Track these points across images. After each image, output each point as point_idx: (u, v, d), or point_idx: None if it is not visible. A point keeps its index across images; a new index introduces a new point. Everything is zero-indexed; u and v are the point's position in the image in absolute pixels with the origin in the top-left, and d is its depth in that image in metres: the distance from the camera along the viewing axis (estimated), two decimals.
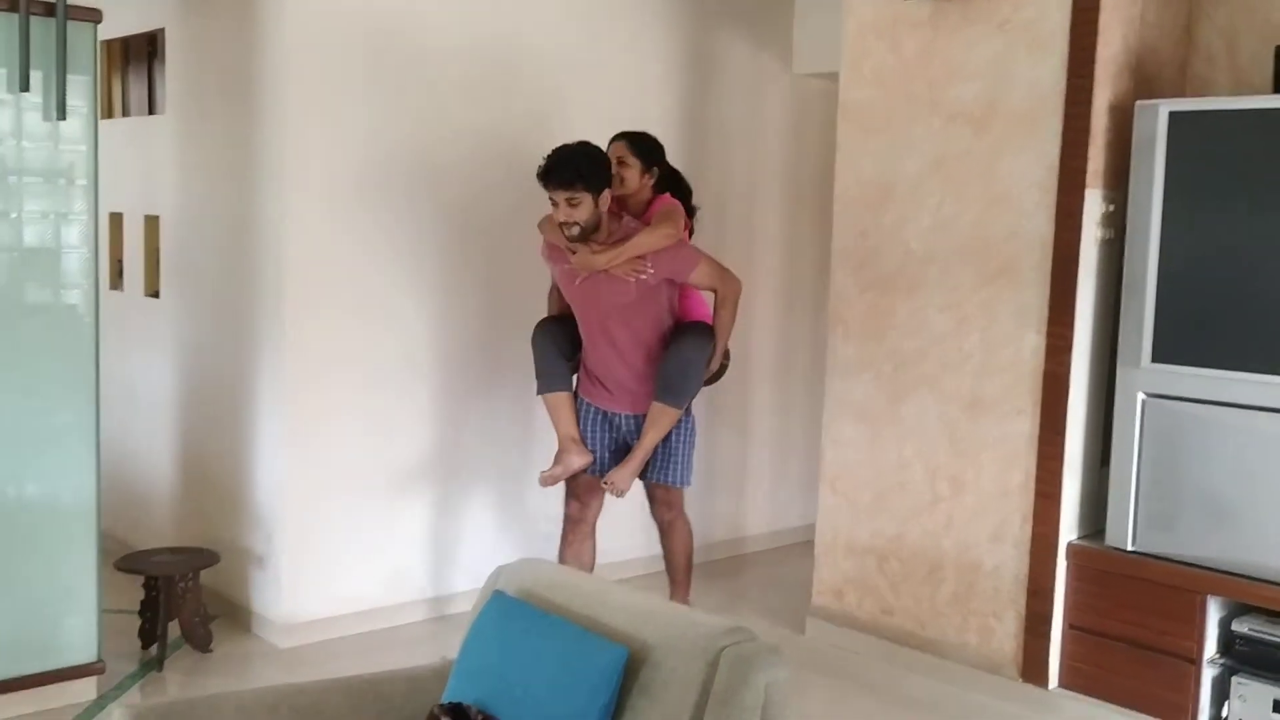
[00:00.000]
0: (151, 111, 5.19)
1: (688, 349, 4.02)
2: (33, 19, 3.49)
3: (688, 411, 4.12)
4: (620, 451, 4.14)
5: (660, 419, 4.02)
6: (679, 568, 4.31)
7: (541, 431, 4.45)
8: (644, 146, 4.09)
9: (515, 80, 4.73)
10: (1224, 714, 3.63)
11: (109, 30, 4.33)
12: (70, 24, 3.56)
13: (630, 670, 2.22)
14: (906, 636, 4.30)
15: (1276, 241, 3.47)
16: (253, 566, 4.49)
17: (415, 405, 4.62)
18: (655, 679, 2.20)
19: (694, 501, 5.46)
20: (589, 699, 2.19)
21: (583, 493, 4.19)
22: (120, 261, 5.31)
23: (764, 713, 2.11)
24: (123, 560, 4.27)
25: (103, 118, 4.18)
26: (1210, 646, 3.65)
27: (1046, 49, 3.84)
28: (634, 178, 4.04)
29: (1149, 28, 3.92)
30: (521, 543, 4.78)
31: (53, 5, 3.51)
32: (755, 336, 5.68)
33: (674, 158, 5.18)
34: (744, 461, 5.76)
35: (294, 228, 4.26)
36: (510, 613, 2.45)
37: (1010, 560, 4.00)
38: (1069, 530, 3.92)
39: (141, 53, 5.27)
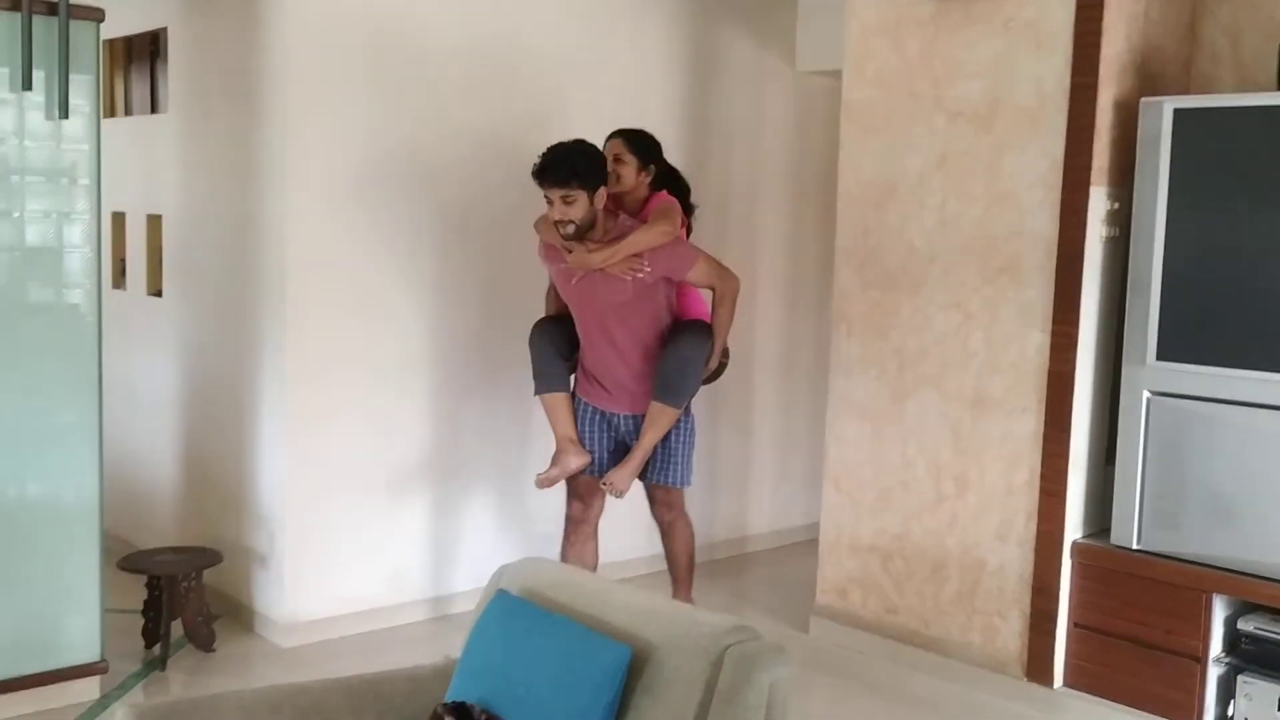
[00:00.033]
0: (154, 111, 5.19)
1: (686, 348, 4.00)
2: (35, 18, 3.49)
3: (687, 411, 4.11)
4: (619, 451, 4.13)
5: (659, 419, 4.00)
6: (681, 567, 4.30)
7: (541, 431, 4.45)
8: (641, 144, 4.07)
9: (516, 80, 4.72)
10: (1229, 713, 3.62)
11: (111, 29, 4.33)
12: (73, 23, 3.55)
13: (634, 669, 2.22)
14: (910, 635, 4.29)
15: None
16: (255, 566, 4.49)
17: (416, 405, 4.61)
18: (659, 678, 2.20)
19: (697, 500, 5.47)
20: (592, 698, 2.18)
21: (584, 493, 4.17)
22: (123, 261, 5.32)
23: (768, 712, 2.11)
24: (125, 560, 4.27)
25: (105, 117, 4.18)
26: (1216, 645, 3.64)
27: (1050, 47, 3.83)
28: (630, 175, 4.03)
29: (1153, 25, 3.91)
30: (522, 542, 4.77)
31: (55, 4, 3.51)
32: (758, 335, 5.67)
33: (676, 156, 5.17)
34: (747, 460, 5.75)
35: (296, 227, 4.26)
36: (514, 612, 2.45)
37: (1015, 559, 3.99)
38: (1074, 529, 3.91)
39: (144, 52, 5.27)
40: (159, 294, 5.07)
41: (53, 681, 3.70)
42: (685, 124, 5.29)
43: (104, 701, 3.79)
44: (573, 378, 4.19)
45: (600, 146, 4.00)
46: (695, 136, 5.33)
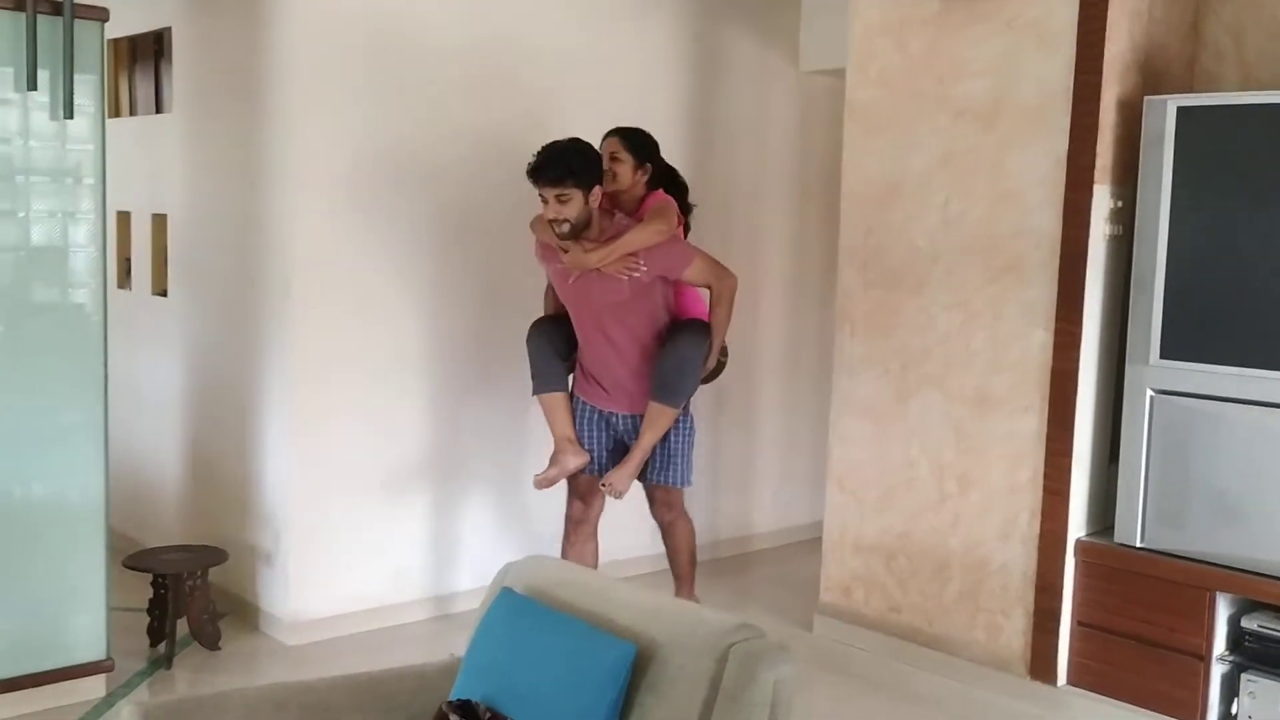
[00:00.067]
0: (158, 110, 5.20)
1: (684, 347, 3.97)
2: (40, 18, 3.50)
3: (685, 411, 4.09)
4: (618, 451, 4.11)
5: (658, 419, 3.99)
6: (683, 565, 4.29)
7: (543, 430, 4.44)
8: (637, 142, 4.04)
9: (518, 79, 4.73)
10: (1233, 711, 3.62)
11: (116, 29, 4.34)
12: (77, 23, 3.56)
13: (638, 667, 2.22)
14: (914, 634, 4.30)
15: None
16: (260, 564, 4.50)
17: (419, 404, 4.62)
18: (663, 676, 2.20)
19: (701, 499, 5.48)
20: (597, 696, 2.19)
21: (584, 493, 4.16)
22: (128, 260, 5.32)
23: (772, 710, 2.11)
24: (131, 558, 4.28)
25: (110, 116, 4.18)
26: (1219, 643, 3.65)
27: (1054, 46, 3.83)
28: (627, 174, 4.00)
29: (1156, 24, 3.91)
30: (524, 541, 4.77)
31: (60, 4, 3.52)
32: (762, 334, 5.68)
33: (680, 156, 5.18)
34: (751, 459, 5.75)
35: (299, 227, 4.27)
36: (518, 610, 2.45)
37: (1018, 557, 4.00)
38: (1077, 527, 3.91)
39: (148, 51, 5.28)
40: (164, 293, 5.07)
41: (59, 680, 3.70)
42: (688, 124, 5.29)
43: (110, 700, 3.80)
44: (571, 377, 4.18)
45: (598, 145, 4.00)
46: (698, 136, 5.33)
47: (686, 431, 4.13)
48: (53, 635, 3.70)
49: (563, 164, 3.76)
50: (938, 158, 4.16)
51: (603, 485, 4.04)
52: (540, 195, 3.83)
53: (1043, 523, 3.93)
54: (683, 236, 4.10)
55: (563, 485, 4.20)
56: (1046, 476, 3.91)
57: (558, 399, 4.10)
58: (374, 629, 4.51)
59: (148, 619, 4.27)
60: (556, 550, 4.28)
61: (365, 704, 2.45)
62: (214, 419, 4.79)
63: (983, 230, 4.05)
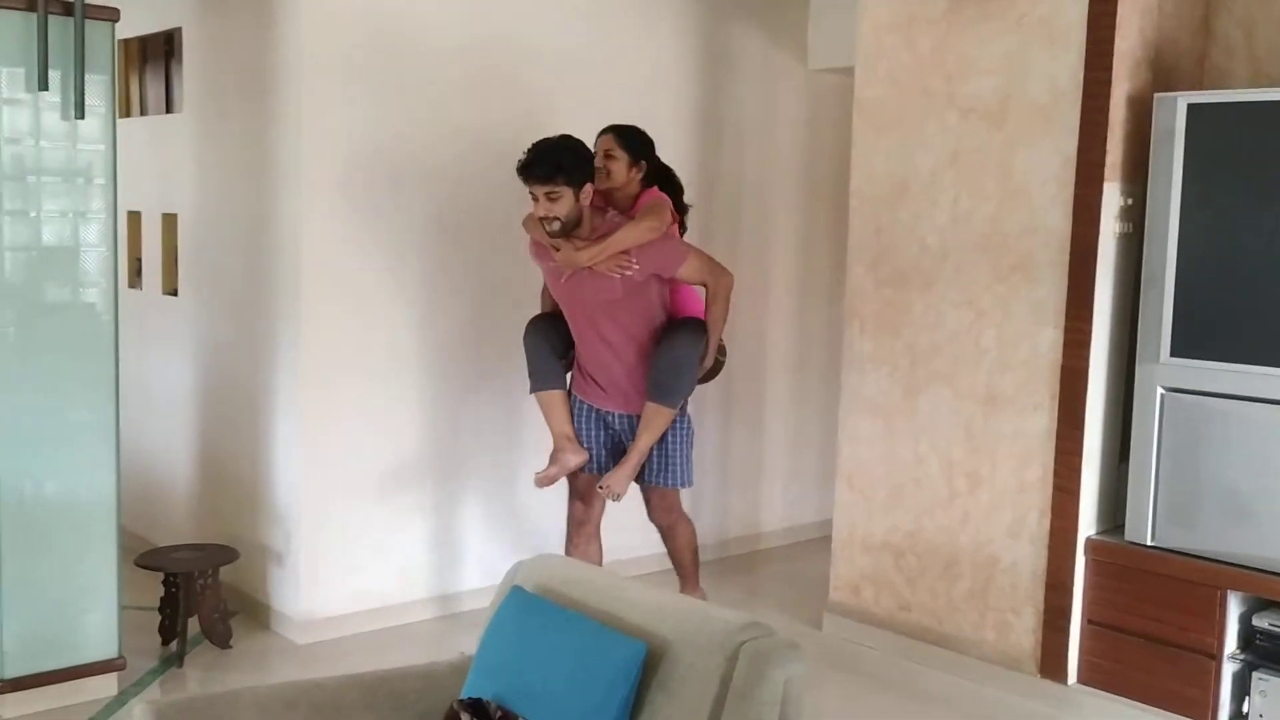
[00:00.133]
0: (169, 110, 5.22)
1: (680, 346, 3.93)
2: (51, 18, 3.51)
3: (682, 411, 4.04)
4: (617, 450, 4.07)
5: (654, 419, 3.94)
6: (685, 563, 4.26)
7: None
8: (632, 139, 3.99)
9: (527, 78, 4.73)
10: (1244, 710, 3.61)
11: (126, 29, 4.35)
12: (88, 23, 3.57)
13: (649, 665, 2.23)
14: (923, 632, 4.29)
15: None
16: (271, 563, 4.51)
17: (428, 404, 4.63)
18: (674, 674, 2.21)
19: (710, 497, 5.49)
20: (607, 694, 2.19)
21: (585, 492, 4.12)
22: (139, 260, 5.34)
23: (783, 708, 2.11)
24: (142, 557, 4.30)
25: (120, 117, 4.20)
26: (1230, 642, 3.64)
27: (1063, 43, 3.82)
28: (621, 171, 3.95)
29: (1167, 19, 3.90)
30: (531, 540, 4.78)
31: (71, 4, 3.53)
32: (771, 332, 5.67)
33: (687, 154, 5.18)
34: (760, 457, 5.75)
35: (310, 226, 4.28)
36: (528, 608, 2.45)
37: (1028, 555, 3.99)
38: (1087, 525, 3.90)
39: (159, 52, 5.29)
40: (174, 293, 5.09)
41: (71, 678, 3.72)
42: (697, 122, 5.29)
43: (121, 698, 3.81)
44: (570, 376, 4.14)
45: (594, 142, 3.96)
46: (707, 135, 5.33)
47: (684, 432, 4.08)
48: (65, 634, 3.71)
49: (552, 161, 3.71)
50: (947, 156, 4.15)
51: (600, 488, 3.99)
52: (530, 193, 3.78)
53: (1053, 521, 3.92)
54: (678, 235, 4.04)
55: (564, 484, 4.19)
56: (1056, 474, 3.90)
57: (555, 397, 4.06)
58: (382, 628, 4.52)
59: (159, 617, 4.29)
60: (561, 550, 4.28)
61: (376, 702, 2.46)
62: (225, 418, 4.80)
63: (992, 228, 4.04)
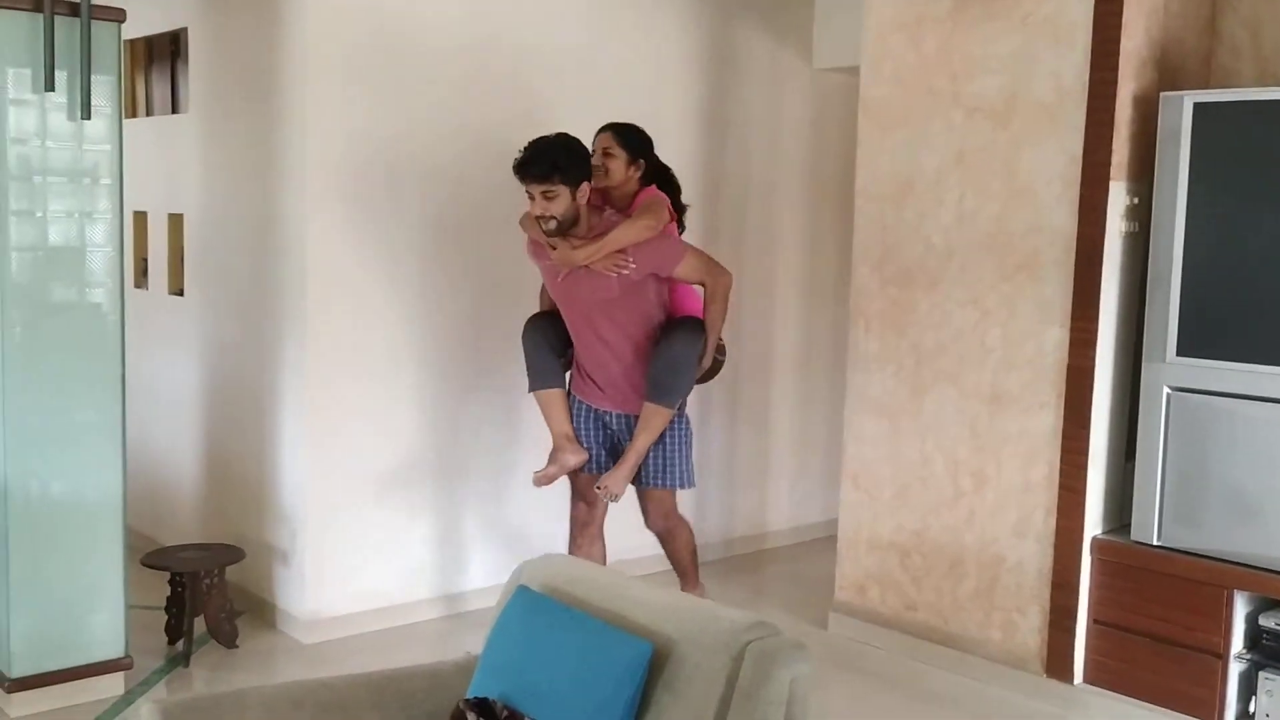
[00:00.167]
0: (174, 110, 5.23)
1: (677, 345, 3.89)
2: (57, 19, 3.51)
3: (680, 412, 4.01)
4: (616, 451, 4.05)
5: (652, 420, 3.91)
6: (685, 563, 4.24)
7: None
8: (631, 138, 3.97)
9: (535, 77, 4.73)
10: (1251, 709, 3.61)
11: (132, 30, 4.36)
12: (94, 24, 3.58)
13: (654, 665, 2.23)
14: (929, 632, 4.29)
15: None
16: (277, 563, 4.52)
17: (436, 403, 4.63)
18: (679, 674, 2.21)
19: (715, 497, 5.49)
20: (614, 693, 2.19)
21: (587, 493, 4.09)
22: (144, 260, 5.35)
23: (789, 707, 2.11)
24: (149, 557, 4.30)
25: (126, 117, 4.20)
26: (1237, 641, 3.63)
27: (1069, 42, 3.82)
28: (620, 169, 3.92)
29: (1173, 18, 3.89)
30: (536, 540, 4.77)
31: (77, 5, 3.54)
32: (776, 331, 5.67)
33: (693, 154, 5.18)
34: (765, 457, 5.75)
35: (315, 226, 4.28)
36: (535, 608, 2.45)
37: (1033, 555, 3.99)
38: (1093, 525, 3.90)
39: (164, 52, 5.30)
40: (180, 293, 5.10)
41: (77, 677, 3.73)
42: (702, 122, 5.29)
43: (128, 697, 3.82)
44: (568, 375, 4.13)
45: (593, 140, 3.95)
46: (712, 134, 5.33)
47: (683, 433, 4.05)
48: (71, 633, 3.72)
49: (549, 160, 3.69)
50: (952, 155, 4.15)
51: (597, 489, 3.96)
52: (527, 192, 3.76)
53: (1058, 520, 3.92)
54: (675, 233, 4.01)
55: (566, 484, 4.19)
56: (1062, 474, 3.90)
57: (554, 395, 4.04)
58: (388, 627, 4.52)
59: (165, 617, 4.30)
60: (565, 550, 4.28)
61: (382, 702, 2.46)
62: (231, 418, 4.81)
63: (997, 227, 4.04)
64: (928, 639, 4.29)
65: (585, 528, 4.16)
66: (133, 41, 5.25)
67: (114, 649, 3.80)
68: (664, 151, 4.12)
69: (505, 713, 2.29)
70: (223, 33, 4.72)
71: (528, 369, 4.08)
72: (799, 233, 5.73)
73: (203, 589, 4.18)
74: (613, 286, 3.83)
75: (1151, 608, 3.76)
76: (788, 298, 5.70)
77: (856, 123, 4.47)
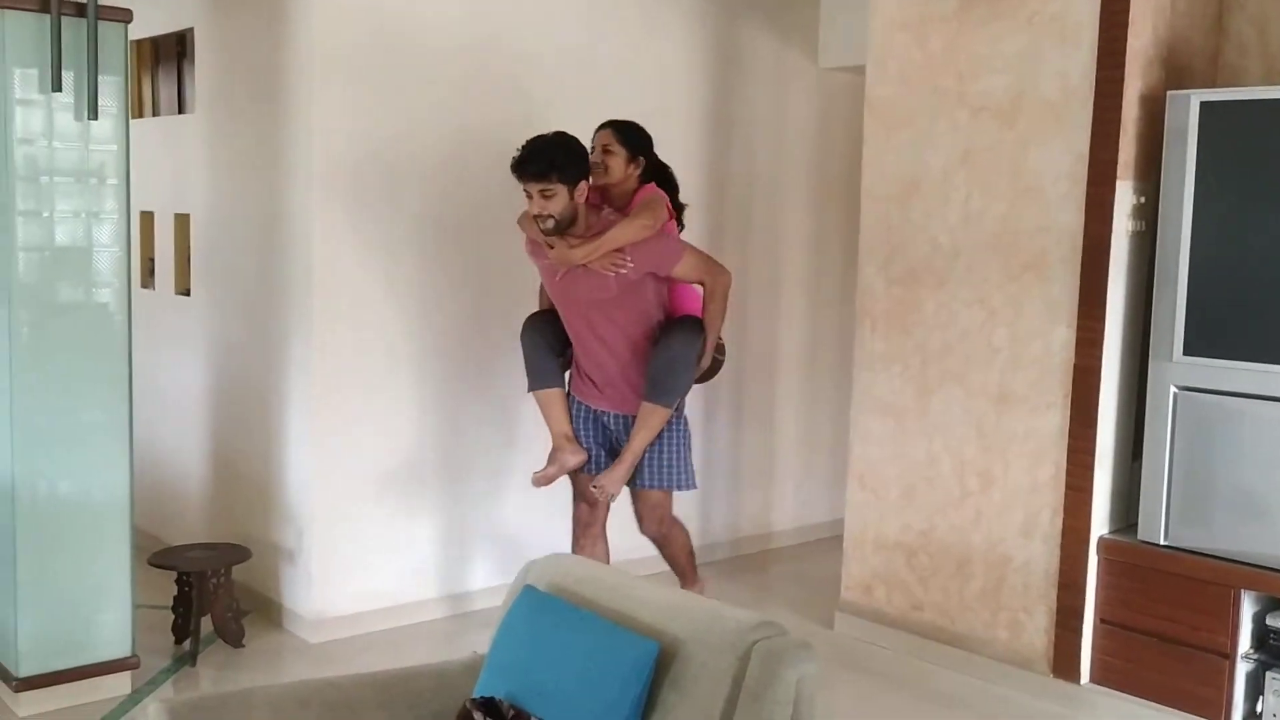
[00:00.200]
0: (181, 111, 5.24)
1: (675, 345, 3.87)
2: (64, 19, 3.52)
3: (679, 412, 3.99)
4: (615, 451, 4.03)
5: (650, 419, 3.88)
6: (682, 563, 4.23)
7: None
8: (631, 135, 3.95)
9: (541, 76, 4.73)
10: (1258, 709, 3.60)
11: (139, 30, 4.36)
12: (101, 24, 3.58)
13: (661, 665, 2.23)
14: (936, 631, 4.29)
15: None
16: (284, 562, 4.53)
17: (441, 403, 4.64)
18: (686, 673, 2.21)
19: (721, 496, 5.49)
20: (620, 693, 2.19)
21: (588, 494, 4.06)
22: (151, 260, 5.36)
23: (795, 707, 2.11)
24: (155, 556, 4.31)
25: (133, 117, 4.22)
26: (1244, 641, 3.62)
27: (1075, 41, 3.81)
28: (619, 167, 3.90)
29: (1179, 17, 3.89)
30: (542, 539, 4.77)
31: (84, 6, 3.54)
32: (782, 331, 5.67)
33: (698, 153, 5.18)
34: (771, 456, 5.75)
35: (322, 225, 4.29)
36: (541, 607, 2.46)
37: (1040, 555, 3.98)
38: (1100, 524, 3.89)
39: (171, 52, 5.31)
40: (187, 293, 5.11)
41: (85, 677, 3.73)
42: (708, 121, 5.29)
43: (135, 697, 3.82)
44: (567, 375, 4.11)
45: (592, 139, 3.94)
46: (718, 133, 5.33)
47: (680, 433, 4.02)
48: (79, 633, 3.73)
49: (546, 159, 3.67)
50: (958, 154, 4.14)
51: (593, 488, 3.94)
52: (525, 190, 3.75)
53: (1065, 520, 3.91)
54: (674, 232, 3.99)
55: (567, 483, 4.18)
56: (1069, 473, 3.90)
57: (553, 395, 4.03)
58: (394, 626, 4.53)
59: (172, 616, 4.30)
60: (569, 550, 4.28)
61: (388, 701, 2.46)
62: (237, 418, 4.82)
63: (1003, 227, 4.03)
64: (934, 639, 4.29)
65: (588, 528, 4.14)
66: (139, 42, 5.26)
67: (121, 648, 3.80)
68: (668, 151, 4.12)
69: (512, 712, 2.29)
70: (229, 33, 4.72)
71: (527, 369, 4.07)
72: (804, 232, 5.73)
73: (209, 588, 4.19)
74: (610, 286, 3.82)
75: (1158, 607, 3.75)
76: (793, 297, 5.70)
77: (862, 122, 4.47)
